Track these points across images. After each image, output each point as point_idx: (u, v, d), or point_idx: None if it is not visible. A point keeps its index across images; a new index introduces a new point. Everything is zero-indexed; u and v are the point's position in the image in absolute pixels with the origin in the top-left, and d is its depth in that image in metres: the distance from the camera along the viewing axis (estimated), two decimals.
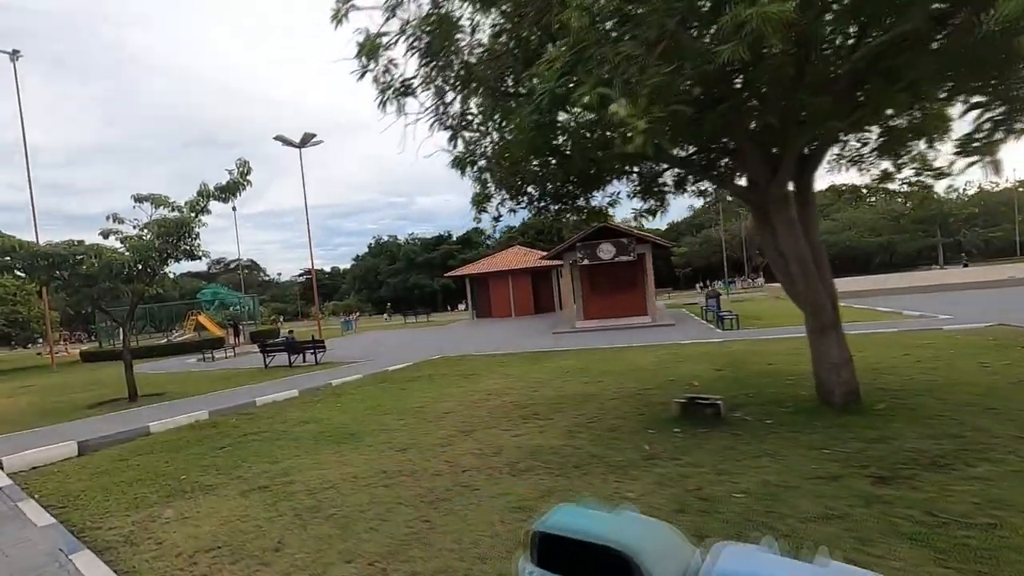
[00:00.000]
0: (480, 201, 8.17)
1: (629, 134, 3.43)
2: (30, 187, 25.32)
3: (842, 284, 30.90)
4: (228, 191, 12.69)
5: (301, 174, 30.56)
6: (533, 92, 3.82)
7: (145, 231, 12.77)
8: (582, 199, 9.27)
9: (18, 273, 12.49)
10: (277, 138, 23.23)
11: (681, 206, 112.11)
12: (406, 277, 73.86)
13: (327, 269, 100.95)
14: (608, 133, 4.80)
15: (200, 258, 13.86)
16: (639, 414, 7.07)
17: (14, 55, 23.55)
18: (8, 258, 10.80)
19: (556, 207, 9.37)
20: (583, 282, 21.48)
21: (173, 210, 12.50)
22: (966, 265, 50.80)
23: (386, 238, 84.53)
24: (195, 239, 13.20)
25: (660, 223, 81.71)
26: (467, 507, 4.36)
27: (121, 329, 13.17)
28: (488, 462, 5.49)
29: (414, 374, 12.49)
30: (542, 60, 3.44)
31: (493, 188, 8.57)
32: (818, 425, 5.79)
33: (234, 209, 35.48)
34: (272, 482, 5.43)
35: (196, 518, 4.65)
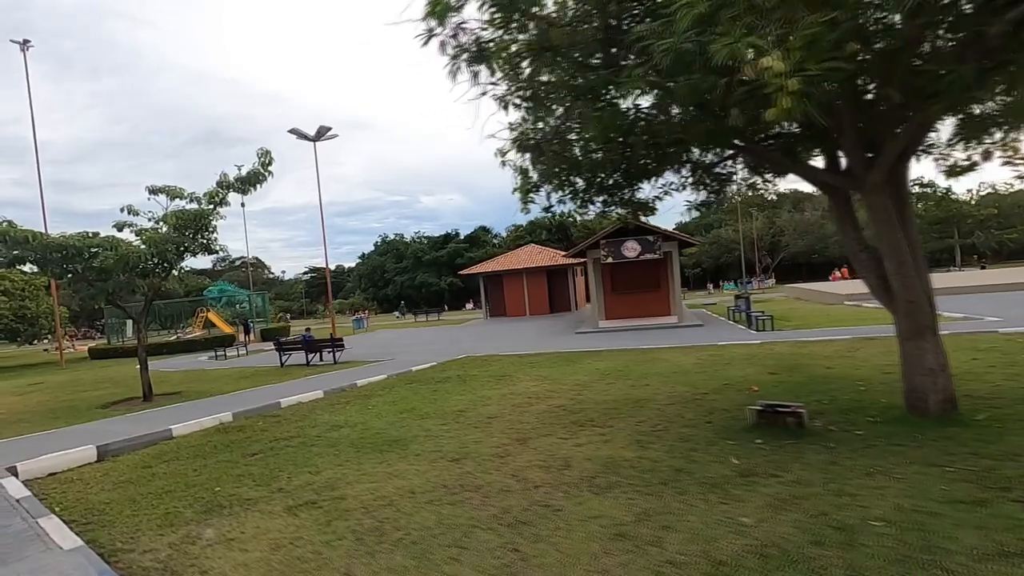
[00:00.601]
0: (528, 190, 7.65)
1: (779, 95, 2.86)
2: (40, 182, 24.90)
3: (854, 286, 30.24)
4: (248, 182, 12.17)
5: (316, 168, 30.14)
6: (648, 51, 3.25)
7: (161, 223, 12.27)
8: (629, 191, 8.72)
9: (30, 267, 12.00)
10: (292, 131, 22.69)
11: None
12: (413, 275, 73.26)
13: (332, 267, 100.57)
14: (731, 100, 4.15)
15: (217, 252, 13.42)
16: (705, 421, 6.50)
17: (24, 45, 23.10)
18: (18, 251, 10.28)
19: (602, 199, 8.81)
20: (604, 281, 20.89)
21: (191, 201, 11.98)
22: (983, 267, 50.06)
23: (392, 236, 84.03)
24: (212, 232, 12.70)
25: (667, 222, 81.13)
26: (555, 533, 3.79)
27: (136, 325, 12.63)
28: (560, 477, 4.92)
29: (442, 374, 11.93)
30: (678, 3, 2.86)
31: (540, 177, 8.05)
32: (921, 437, 5.20)
33: (243, 205, 34.97)
34: (319, 496, 4.87)
35: (241, 540, 4.10)
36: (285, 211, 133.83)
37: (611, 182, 8.39)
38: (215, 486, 5.43)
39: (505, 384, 10.12)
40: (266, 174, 12.22)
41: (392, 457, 5.97)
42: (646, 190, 8.68)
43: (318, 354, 16.37)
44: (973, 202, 60.98)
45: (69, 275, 11.42)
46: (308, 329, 18.52)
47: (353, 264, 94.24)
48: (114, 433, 8.12)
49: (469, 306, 62.04)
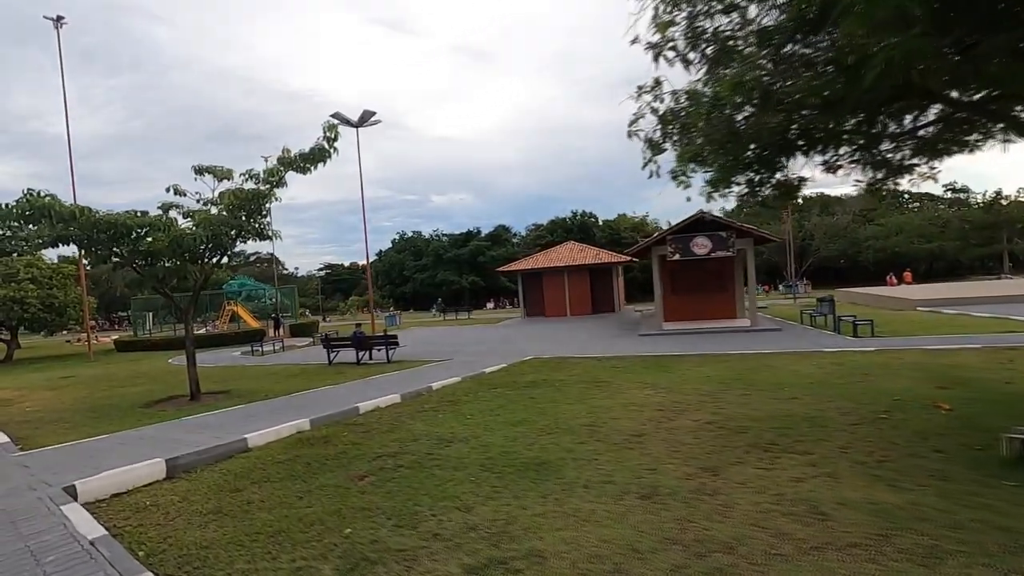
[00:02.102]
0: (694, 156, 6.35)
1: None
2: (71, 171, 23.90)
3: (921, 291, 28.52)
4: (311, 160, 10.93)
5: (358, 155, 28.20)
6: None
7: (211, 206, 11.08)
8: (780, 169, 7.41)
9: (65, 250, 10.88)
10: (334, 116, 21.49)
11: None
12: (433, 273, 72.05)
13: (346, 264, 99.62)
14: None
15: (270, 238, 12.15)
16: (933, 450, 5.13)
17: (58, 22, 22.14)
18: (63, 228, 9.08)
19: (751, 177, 7.50)
20: (664, 280, 19.45)
21: (248, 179, 10.77)
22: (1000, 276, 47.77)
23: (410, 233, 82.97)
24: (266, 216, 11.50)
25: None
26: None
27: (184, 317, 11.44)
28: (831, 533, 3.56)
29: (523, 378, 10.60)
30: None
31: (687, 153, 6.83)
32: None
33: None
34: (502, 551, 3.55)
35: None
36: (298, 208, 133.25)
37: (764, 155, 7.08)
38: (341, 525, 4.14)
39: (611, 392, 8.78)
40: (331, 151, 10.99)
41: (552, 488, 4.65)
42: (797, 168, 7.37)
43: (368, 352, 15.13)
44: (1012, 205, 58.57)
45: (115, 259, 10.24)
46: (359, 325, 17.30)
47: (368, 261, 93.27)
48: (176, 441, 6.88)
49: (490, 305, 60.64)
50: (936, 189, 71.02)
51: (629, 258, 28.37)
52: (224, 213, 10.59)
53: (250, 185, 10.78)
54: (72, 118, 22.82)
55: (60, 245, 9.32)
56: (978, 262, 62.37)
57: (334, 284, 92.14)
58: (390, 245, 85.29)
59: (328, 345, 15.32)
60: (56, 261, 26.81)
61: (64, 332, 34.91)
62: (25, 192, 8.67)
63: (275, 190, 11.10)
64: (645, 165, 7.71)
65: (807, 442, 5.56)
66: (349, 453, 6.13)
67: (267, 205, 11.25)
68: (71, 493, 5.04)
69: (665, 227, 79.44)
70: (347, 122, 21.89)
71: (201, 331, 29.56)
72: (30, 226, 8.70)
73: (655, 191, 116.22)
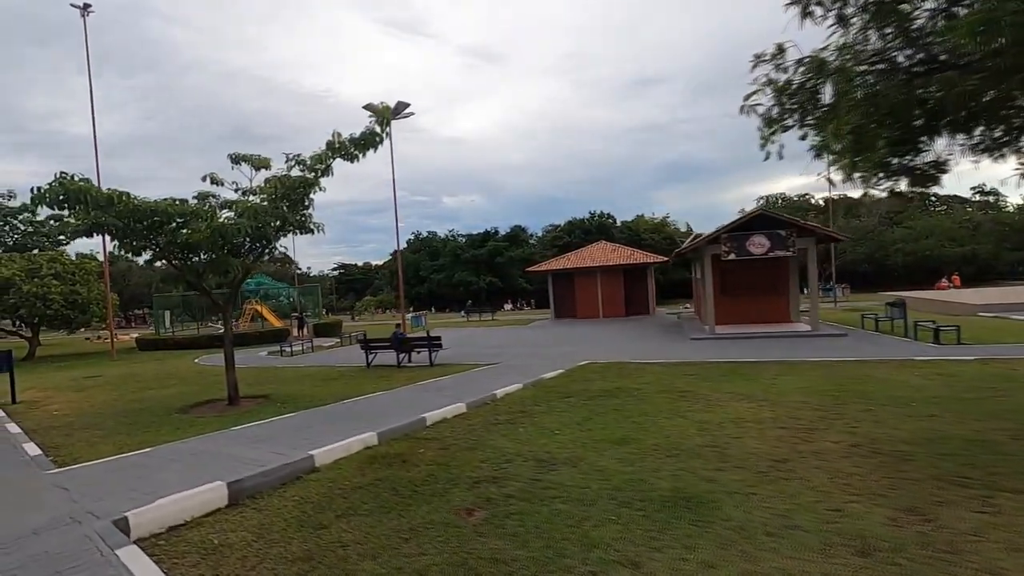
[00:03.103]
0: (857, 130, 5.40)
1: None
2: (96, 168, 23.24)
3: (976, 295, 27.10)
4: (362, 145, 10.10)
5: (391, 148, 26.86)
6: None
7: (251, 196, 10.26)
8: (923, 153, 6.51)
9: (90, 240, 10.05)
10: (367, 107, 20.63)
11: (729, 212, 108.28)
12: (450, 274, 71.24)
13: (359, 264, 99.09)
14: None
15: (312, 231, 11.24)
16: None
17: (85, 10, 21.53)
18: (99, 215, 8.25)
19: (892, 160, 6.57)
20: (714, 281, 18.38)
21: (295, 164, 9.92)
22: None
23: (425, 234, 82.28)
24: (309, 207, 10.63)
25: (707, 225, 77.46)
26: None
27: (223, 315, 10.63)
28: None
29: (592, 386, 9.63)
30: None
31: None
32: None
33: None
34: None
35: None
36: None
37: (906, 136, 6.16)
38: None
39: (705, 404, 7.79)
40: (382, 135, 10.13)
41: (726, 534, 3.69)
42: (935, 152, 6.42)
43: (407, 355, 14.24)
44: None
45: (152, 249, 9.41)
46: (398, 326, 16.44)
47: (381, 261, 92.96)
48: (231, 458, 6.00)
49: (507, 306, 59.60)
50: (963, 191, 69.22)
51: (665, 259, 27.33)
52: (265, 203, 9.77)
53: (296, 172, 9.94)
54: (91, 118, 22.22)
55: (95, 234, 8.51)
56: (1008, 267, 60.40)
57: (347, 284, 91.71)
58: (405, 245, 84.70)
59: (366, 347, 14.44)
60: (74, 257, 26.28)
61: (82, 329, 34.47)
62: (58, 176, 7.87)
63: (320, 179, 10.28)
64: (764, 145, 6.77)
65: (1003, 474, 4.56)
66: (438, 477, 5.20)
67: (312, 195, 10.40)
68: (122, 527, 4.16)
69: (684, 229, 77.62)
70: (380, 113, 20.96)
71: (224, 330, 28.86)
72: (65, 212, 7.88)
73: (664, 193, 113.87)
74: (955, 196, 71.07)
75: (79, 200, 7.75)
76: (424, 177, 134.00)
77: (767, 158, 6.67)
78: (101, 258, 29.76)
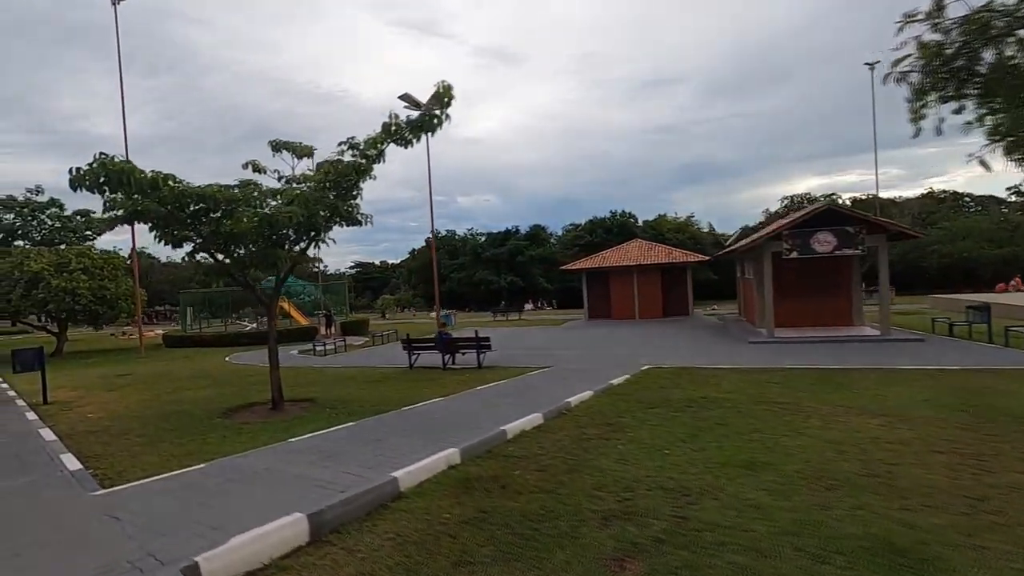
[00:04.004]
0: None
1: None
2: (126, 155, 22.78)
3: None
4: (419, 128, 9.26)
5: (426, 142, 26.15)
6: None
7: (304, 183, 9.51)
8: None
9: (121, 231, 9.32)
10: (403, 97, 19.87)
11: (751, 215, 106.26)
12: (471, 272, 70.49)
13: (376, 262, 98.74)
14: None
15: (360, 223, 10.40)
16: None
17: (117, 2, 21.08)
18: (140, 200, 7.50)
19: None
20: (772, 281, 17.27)
21: (347, 148, 9.12)
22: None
23: (443, 233, 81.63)
24: (358, 197, 9.83)
25: (725, 226, 75.58)
26: None
27: (267, 311, 9.86)
28: None
29: (671, 394, 8.69)
30: None
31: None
32: None
33: None
34: None
35: None
36: None
37: None
38: None
39: (821, 419, 6.83)
40: (443, 117, 9.26)
41: None
42: None
43: (452, 356, 13.41)
44: None
45: (193, 241, 8.67)
46: (443, 325, 15.63)
47: (398, 260, 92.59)
48: (299, 478, 5.17)
49: (528, 306, 58.62)
50: (999, 191, 66.77)
51: (707, 258, 26.24)
52: (328, 192, 9.03)
53: (348, 157, 9.15)
54: (115, 117, 21.80)
55: (136, 222, 7.78)
56: None
57: (364, 282, 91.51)
58: (423, 244, 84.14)
59: (409, 347, 13.63)
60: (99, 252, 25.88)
61: (106, 325, 34.18)
62: (98, 156, 7.13)
63: (373, 165, 9.48)
64: (915, 118, 5.83)
65: None
66: (556, 510, 4.32)
67: (362, 184, 9.60)
68: (194, 574, 3.34)
69: (707, 229, 75.82)
70: (416, 104, 20.25)
71: (249, 327, 28.39)
72: (106, 195, 7.13)
73: (679, 194, 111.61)
74: (991, 196, 68.68)
75: (120, 182, 7.01)
76: (438, 176, 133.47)
77: (916, 135, 5.71)
78: (124, 254, 29.50)
